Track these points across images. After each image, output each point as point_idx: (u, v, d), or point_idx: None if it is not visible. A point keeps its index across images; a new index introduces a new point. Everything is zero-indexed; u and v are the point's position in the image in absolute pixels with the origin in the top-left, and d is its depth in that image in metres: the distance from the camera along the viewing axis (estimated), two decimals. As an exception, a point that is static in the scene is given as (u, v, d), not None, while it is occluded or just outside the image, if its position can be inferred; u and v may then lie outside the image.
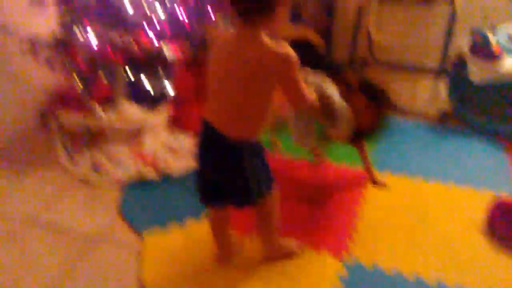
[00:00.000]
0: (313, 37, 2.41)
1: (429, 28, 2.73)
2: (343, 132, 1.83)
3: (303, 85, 1.33)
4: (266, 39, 1.27)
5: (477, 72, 2.68)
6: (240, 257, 1.69)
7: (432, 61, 2.72)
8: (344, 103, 1.78)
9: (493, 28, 2.60)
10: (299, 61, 1.27)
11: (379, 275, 1.61)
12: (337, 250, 1.70)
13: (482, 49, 2.40)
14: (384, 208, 1.92)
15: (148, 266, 1.66)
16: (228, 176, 1.43)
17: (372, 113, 1.85)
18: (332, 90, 1.79)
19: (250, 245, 1.73)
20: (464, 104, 2.62)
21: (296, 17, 3.17)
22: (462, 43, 2.60)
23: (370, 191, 2.00)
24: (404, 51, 2.97)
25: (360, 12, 2.80)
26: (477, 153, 2.29)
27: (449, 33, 2.59)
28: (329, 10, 3.16)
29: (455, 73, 2.71)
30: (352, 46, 2.88)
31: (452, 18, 2.57)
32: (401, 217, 1.85)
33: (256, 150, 1.42)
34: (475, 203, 1.90)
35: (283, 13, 1.26)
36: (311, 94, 1.40)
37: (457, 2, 2.54)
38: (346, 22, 3.08)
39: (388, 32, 2.73)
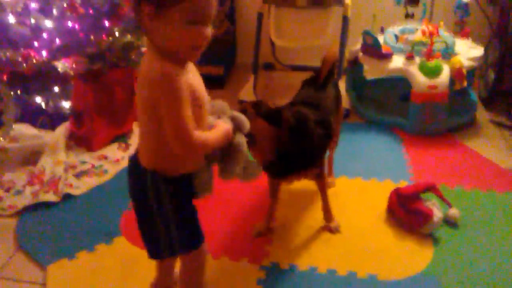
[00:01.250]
0: None
1: (326, 31, 2.86)
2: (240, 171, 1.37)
3: (184, 119, 1.03)
4: (156, 52, 1.05)
5: (370, 70, 2.89)
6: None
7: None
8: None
9: (381, 30, 2.81)
10: (180, 85, 1.02)
11: (295, 273, 1.66)
12: (256, 256, 1.71)
13: (373, 49, 2.58)
14: (298, 208, 1.97)
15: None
16: (137, 211, 1.20)
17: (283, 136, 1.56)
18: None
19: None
20: (361, 101, 2.80)
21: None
22: (356, 45, 2.77)
23: (283, 193, 2.03)
24: (305, 53, 3.10)
25: (260, 18, 2.86)
26: (378, 146, 2.44)
27: (343, 35, 2.74)
28: (231, 17, 3.19)
29: (351, 72, 2.89)
30: (255, 50, 2.92)
31: (345, 21, 2.72)
32: (314, 215, 1.91)
33: (174, 191, 1.14)
34: (380, 195, 2.01)
35: (175, 15, 0.99)
36: (200, 134, 1.08)
37: (348, 6, 2.70)
38: (248, 28, 3.13)
39: (288, 35, 2.81)
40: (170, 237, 1.18)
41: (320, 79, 1.88)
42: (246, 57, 3.18)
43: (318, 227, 1.87)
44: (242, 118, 1.26)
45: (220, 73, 3.06)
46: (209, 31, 1.02)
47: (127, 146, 2.39)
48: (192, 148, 1.07)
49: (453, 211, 1.86)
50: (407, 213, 1.83)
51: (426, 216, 1.78)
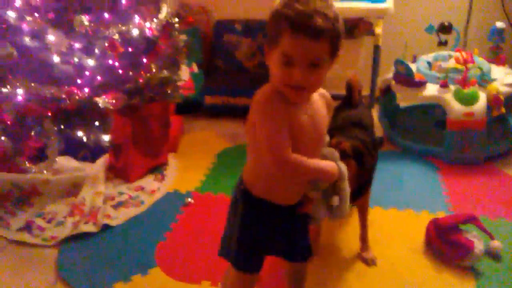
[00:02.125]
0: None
1: (357, 60, 2.89)
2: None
3: (276, 134, 1.10)
4: (270, 84, 1.15)
5: (403, 98, 2.87)
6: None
7: (364, 90, 2.86)
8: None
9: (414, 58, 2.81)
10: (275, 106, 1.10)
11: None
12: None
13: (406, 78, 2.57)
14: (334, 239, 1.95)
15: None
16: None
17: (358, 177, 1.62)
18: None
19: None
20: (395, 129, 2.77)
21: (230, 56, 3.25)
22: (388, 73, 2.77)
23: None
24: (338, 84, 3.11)
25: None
26: (413, 176, 2.40)
27: (375, 64, 2.75)
28: (263, 49, 3.25)
29: (384, 100, 2.88)
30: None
31: (376, 50, 2.73)
32: (351, 247, 1.88)
33: (248, 210, 1.26)
34: (416, 226, 1.96)
35: (275, 55, 1.09)
36: (296, 156, 1.13)
37: (379, 35, 2.71)
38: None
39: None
40: (229, 244, 1.33)
41: (354, 99, 1.91)
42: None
43: (353, 258, 1.83)
44: (344, 167, 1.32)
45: (253, 104, 3.11)
46: (298, 73, 1.06)
47: (162, 177, 2.45)
48: (283, 163, 1.12)
49: (496, 243, 1.79)
50: (446, 245, 1.77)
51: (467, 248, 1.72)
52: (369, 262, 1.81)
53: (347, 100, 2.02)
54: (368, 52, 2.79)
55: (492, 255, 1.78)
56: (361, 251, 1.83)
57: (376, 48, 2.74)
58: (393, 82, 2.68)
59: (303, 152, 1.15)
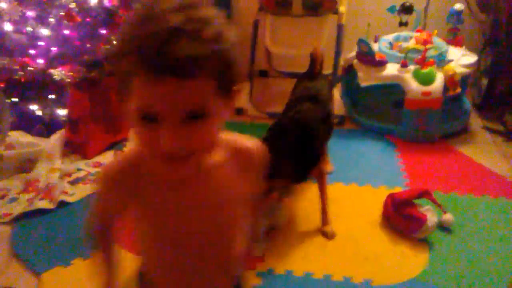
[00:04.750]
0: None
1: (321, 38, 2.89)
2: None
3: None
4: None
5: (364, 77, 2.91)
6: None
7: (326, 69, 2.90)
8: None
9: (376, 38, 2.85)
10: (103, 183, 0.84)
11: (291, 278, 1.67)
12: (252, 263, 1.71)
13: (367, 57, 2.61)
14: (296, 215, 1.98)
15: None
16: None
17: None
18: None
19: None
20: (356, 108, 2.82)
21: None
22: (351, 52, 2.80)
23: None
24: (302, 61, 3.12)
25: (256, 25, 2.89)
26: (373, 153, 2.46)
27: (338, 43, 2.77)
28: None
29: (346, 79, 2.91)
30: (251, 57, 2.95)
31: (340, 29, 2.75)
32: (311, 221, 1.92)
33: None
34: (374, 201, 2.03)
35: (128, 106, 0.70)
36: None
37: (343, 14, 2.73)
38: (243, 35, 3.16)
39: (284, 43, 2.84)
40: None
41: (315, 71, 1.98)
42: (242, 64, 3.19)
43: (313, 232, 1.88)
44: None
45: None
46: (167, 134, 0.65)
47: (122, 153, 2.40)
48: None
49: (447, 217, 1.88)
50: (401, 218, 1.84)
51: (420, 221, 1.79)
52: (329, 236, 1.85)
53: (308, 73, 2.09)
54: (331, 30, 2.80)
55: (444, 228, 1.87)
56: (322, 225, 1.88)
57: (340, 27, 2.76)
58: (355, 61, 2.71)
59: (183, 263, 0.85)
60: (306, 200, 2.03)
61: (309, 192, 2.04)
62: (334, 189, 2.11)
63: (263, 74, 3.21)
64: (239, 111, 2.85)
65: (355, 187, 2.16)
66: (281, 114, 1.89)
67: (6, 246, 1.80)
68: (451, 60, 2.58)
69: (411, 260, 1.73)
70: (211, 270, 0.87)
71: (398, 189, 2.08)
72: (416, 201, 1.87)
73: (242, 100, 2.88)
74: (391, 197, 1.91)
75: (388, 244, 1.82)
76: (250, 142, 0.85)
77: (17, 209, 1.94)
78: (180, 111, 0.64)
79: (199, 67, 0.62)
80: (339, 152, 2.38)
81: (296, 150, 1.68)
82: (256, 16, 2.88)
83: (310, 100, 1.83)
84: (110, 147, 2.42)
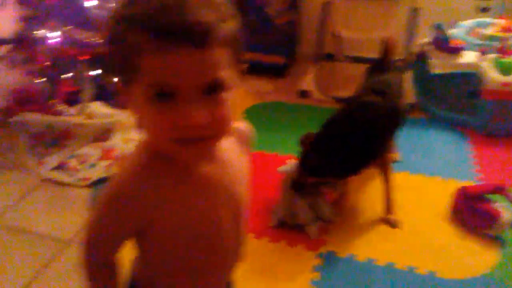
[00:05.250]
0: None
1: (393, 23, 2.80)
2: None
3: (85, 239, 0.75)
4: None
5: (438, 64, 2.79)
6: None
7: (397, 55, 2.81)
8: None
9: (454, 24, 2.71)
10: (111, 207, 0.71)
11: (353, 263, 1.67)
12: (314, 244, 1.74)
13: (443, 43, 2.50)
14: (359, 200, 1.97)
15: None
16: None
17: None
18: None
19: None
20: (427, 96, 2.72)
21: (260, 12, 3.19)
22: (424, 37, 2.69)
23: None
24: (370, 46, 3.04)
25: (326, 8, 2.84)
26: (443, 143, 2.37)
27: (411, 28, 2.67)
28: (295, 5, 3.18)
29: (418, 66, 2.81)
30: (318, 41, 2.91)
31: (414, 13, 2.65)
32: (376, 208, 1.90)
33: None
34: (443, 193, 1.97)
35: (132, 93, 0.64)
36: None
37: (419, -2, 2.62)
38: (312, 17, 3.12)
39: (354, 27, 2.78)
40: None
41: (387, 62, 1.90)
42: (308, 47, 3.17)
43: (377, 219, 1.86)
44: None
45: (281, 62, 3.08)
46: (190, 109, 0.60)
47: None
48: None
49: (523, 215, 1.79)
50: (472, 213, 1.78)
51: (493, 218, 1.72)
52: (393, 224, 1.83)
53: (379, 63, 2.00)
54: (403, 14, 2.70)
55: (518, 226, 1.78)
56: (386, 213, 1.85)
57: (415, 11, 2.66)
58: (429, 47, 2.61)
59: (209, 265, 0.78)
60: (372, 187, 2.01)
61: (375, 179, 2.01)
62: (400, 178, 2.06)
63: (330, 57, 3.17)
64: (304, 94, 2.85)
65: (423, 178, 2.11)
66: (344, 105, 1.82)
67: (85, 208, 1.94)
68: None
69: (480, 257, 1.67)
70: (228, 266, 0.83)
71: (469, 183, 2.00)
72: (490, 196, 1.79)
73: (308, 83, 2.87)
74: (463, 190, 1.85)
75: (455, 238, 1.77)
76: (241, 123, 0.82)
77: (96, 174, 2.08)
78: (199, 83, 0.59)
79: (216, 34, 0.58)
80: (407, 140, 2.31)
81: (351, 149, 1.62)
82: (326, -1, 2.83)
83: (378, 94, 1.74)
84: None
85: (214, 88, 0.61)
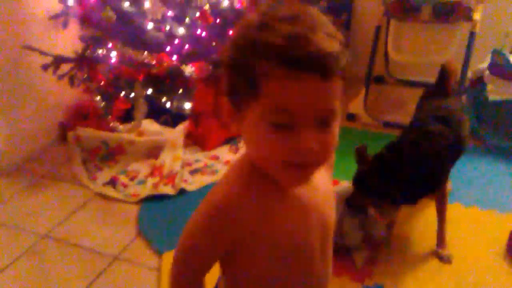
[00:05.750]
0: None
1: (448, 47, 2.72)
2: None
3: (177, 256, 0.78)
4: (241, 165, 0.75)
5: (496, 91, 2.67)
6: None
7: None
8: None
9: (513, 49, 2.59)
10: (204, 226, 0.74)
11: (400, 299, 1.60)
12: (360, 275, 1.69)
13: (503, 70, 2.39)
14: (409, 231, 1.90)
15: (167, 285, 1.66)
16: None
17: None
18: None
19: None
20: (483, 124, 2.60)
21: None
22: (482, 63, 2.59)
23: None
24: (423, 69, 2.97)
25: (378, 29, 2.80)
26: (499, 175, 2.25)
27: (468, 53, 2.58)
28: (348, 26, 3.17)
29: (474, 92, 2.70)
30: (369, 63, 2.87)
31: (472, 38, 2.56)
32: (427, 242, 1.82)
33: None
34: (499, 229, 1.86)
35: (247, 114, 0.66)
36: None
37: (477, 22, 2.53)
38: (363, 38, 3.09)
39: (406, 50, 2.72)
40: None
41: (448, 88, 1.83)
42: (358, 69, 3.13)
43: (428, 253, 1.78)
44: None
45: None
46: (308, 138, 0.62)
47: (237, 149, 2.50)
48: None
49: None
50: (532, 253, 1.67)
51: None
52: (445, 259, 1.75)
53: (438, 88, 1.94)
54: (462, 39, 2.62)
55: None
56: (437, 247, 1.78)
57: (472, 35, 2.56)
58: (486, 73, 2.50)
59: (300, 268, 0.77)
60: (422, 219, 1.94)
61: (426, 210, 1.94)
62: (452, 210, 1.97)
63: (380, 80, 3.12)
64: (351, 117, 2.81)
65: (476, 211, 2.00)
66: (404, 132, 1.78)
67: (133, 223, 1.99)
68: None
69: (539, 301, 1.56)
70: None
71: (528, 219, 1.89)
72: (551, 236, 1.68)
73: (356, 106, 2.83)
74: (520, 227, 1.74)
75: (511, 279, 1.66)
76: None
77: (144, 191, 2.14)
78: (317, 113, 0.62)
79: (338, 65, 0.61)
80: (460, 170, 2.21)
81: (415, 177, 1.59)
82: (379, 21, 2.79)
83: (442, 122, 1.69)
84: (226, 141, 2.55)
85: (327, 117, 0.64)
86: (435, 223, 1.78)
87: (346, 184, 1.76)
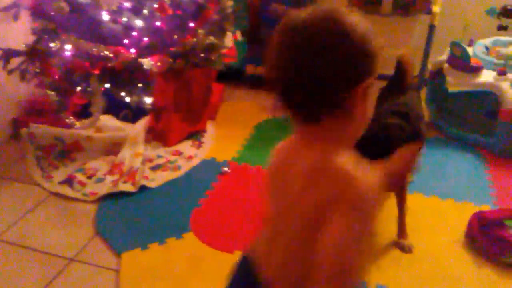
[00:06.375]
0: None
1: (410, 39, 2.76)
2: None
3: (356, 243, 0.73)
4: (333, 147, 0.78)
5: (454, 82, 2.72)
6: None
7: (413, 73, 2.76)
8: None
9: (471, 42, 2.65)
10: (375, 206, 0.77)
11: (363, 290, 1.60)
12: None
13: (461, 61, 2.44)
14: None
15: (126, 286, 1.60)
16: None
17: None
18: None
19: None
20: (442, 115, 2.65)
21: (274, 26, 3.18)
22: (441, 55, 2.63)
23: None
24: (386, 62, 2.99)
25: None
26: (458, 165, 2.30)
27: (428, 45, 2.62)
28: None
29: (434, 84, 2.75)
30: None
31: (431, 30, 2.60)
32: (388, 233, 1.83)
33: None
34: (457, 217, 1.90)
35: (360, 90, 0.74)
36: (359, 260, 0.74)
37: (436, 15, 2.57)
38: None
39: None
40: None
41: (404, 83, 1.84)
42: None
43: (389, 244, 1.79)
44: None
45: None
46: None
47: (200, 144, 2.46)
48: (344, 274, 0.73)
49: (542, 243, 1.70)
50: (488, 239, 1.71)
51: (511, 245, 1.65)
52: (405, 249, 1.76)
53: (395, 83, 1.93)
54: (422, 31, 2.66)
55: (537, 254, 1.70)
56: (398, 237, 1.79)
57: (431, 28, 2.61)
58: (445, 65, 2.55)
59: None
60: (383, 210, 1.95)
61: (386, 202, 1.95)
62: (413, 200, 2.00)
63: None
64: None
65: (436, 200, 2.04)
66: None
67: (90, 223, 1.91)
68: None
69: (497, 286, 1.60)
70: None
71: (485, 207, 1.93)
72: (507, 223, 1.72)
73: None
74: (477, 215, 1.78)
75: (471, 266, 1.69)
76: None
77: (103, 189, 2.06)
78: None
79: None
80: (420, 160, 2.25)
81: None
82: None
83: (399, 116, 1.69)
84: (188, 136, 2.49)
85: None
86: (396, 214, 1.80)
87: None
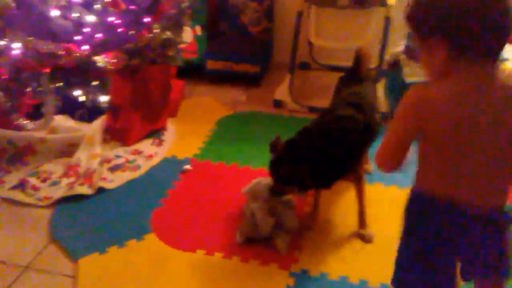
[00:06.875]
0: None
1: (367, 32, 2.79)
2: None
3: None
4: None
5: (411, 73, 2.78)
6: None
7: (370, 64, 2.80)
8: None
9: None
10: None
11: (325, 281, 1.62)
12: (286, 263, 1.68)
13: (415, 52, 2.48)
14: (332, 214, 1.93)
15: (83, 292, 1.55)
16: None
17: None
18: None
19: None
20: (401, 106, 2.70)
21: (235, 20, 3.15)
22: (398, 47, 2.68)
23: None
24: (345, 55, 3.02)
25: (300, 15, 2.81)
26: (416, 153, 2.35)
27: (384, 37, 2.66)
28: (270, 15, 3.15)
29: (391, 75, 2.80)
30: (293, 49, 2.87)
31: (387, 22, 2.63)
32: (349, 222, 1.86)
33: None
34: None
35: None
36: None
37: (391, 7, 2.61)
38: (286, 26, 3.08)
39: (327, 35, 2.75)
40: None
41: (360, 73, 1.88)
42: (283, 56, 3.13)
43: (350, 234, 1.82)
44: None
45: (257, 71, 3.03)
46: None
47: (160, 142, 2.41)
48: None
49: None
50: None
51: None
52: (366, 239, 1.79)
53: (353, 73, 1.99)
54: (378, 24, 2.69)
55: None
56: (359, 228, 1.81)
57: (387, 20, 2.64)
58: (402, 56, 2.60)
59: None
60: (344, 201, 1.97)
61: (347, 193, 1.97)
62: (374, 191, 2.04)
63: (304, 66, 3.14)
64: (278, 104, 2.80)
65: (396, 190, 2.07)
66: (317, 117, 1.81)
67: (45, 229, 1.84)
68: (506, 59, 2.42)
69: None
70: None
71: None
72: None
73: (282, 92, 2.83)
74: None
75: (429, 253, 1.73)
76: None
77: (58, 193, 1.98)
78: None
79: None
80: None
81: (325, 161, 1.62)
82: (300, 7, 2.80)
83: (353, 107, 1.73)
84: (148, 135, 2.43)
85: None
86: (356, 205, 1.82)
87: (258, 180, 1.79)
